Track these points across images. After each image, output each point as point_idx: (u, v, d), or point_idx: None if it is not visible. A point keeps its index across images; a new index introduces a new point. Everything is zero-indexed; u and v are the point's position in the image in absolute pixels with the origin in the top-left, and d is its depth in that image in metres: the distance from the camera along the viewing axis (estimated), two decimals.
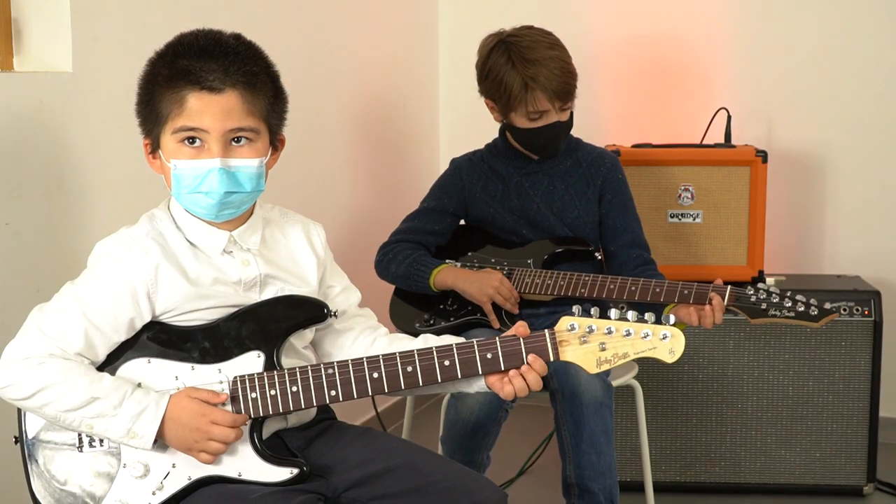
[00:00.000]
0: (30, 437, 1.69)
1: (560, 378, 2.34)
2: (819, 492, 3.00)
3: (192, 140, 1.67)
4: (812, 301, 2.29)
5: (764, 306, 2.30)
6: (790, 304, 2.29)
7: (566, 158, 2.61)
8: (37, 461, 1.69)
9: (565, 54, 2.50)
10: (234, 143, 1.68)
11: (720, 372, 2.97)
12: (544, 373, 1.71)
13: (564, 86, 2.45)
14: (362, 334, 1.87)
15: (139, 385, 1.67)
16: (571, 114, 2.55)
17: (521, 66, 2.44)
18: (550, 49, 2.47)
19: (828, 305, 2.30)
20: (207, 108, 1.65)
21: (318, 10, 3.12)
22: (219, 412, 1.65)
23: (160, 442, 1.65)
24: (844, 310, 2.92)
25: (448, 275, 2.51)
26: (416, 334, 2.54)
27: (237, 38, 1.72)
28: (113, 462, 1.67)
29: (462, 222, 2.70)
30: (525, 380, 1.70)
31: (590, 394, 2.32)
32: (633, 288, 2.38)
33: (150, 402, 1.63)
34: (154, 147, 1.72)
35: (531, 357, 1.69)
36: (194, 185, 1.67)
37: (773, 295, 2.30)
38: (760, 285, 2.33)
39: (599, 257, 2.56)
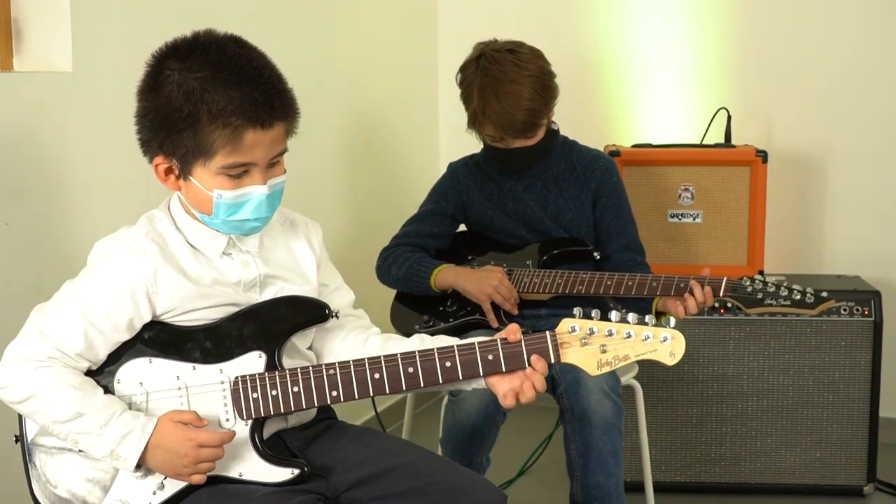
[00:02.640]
0: (29, 439, 1.70)
1: (570, 398, 2.33)
2: (819, 492, 3.00)
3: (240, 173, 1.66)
4: (808, 289, 2.28)
5: (760, 296, 2.28)
6: (786, 293, 2.28)
7: (560, 162, 2.60)
8: (35, 464, 1.69)
9: (530, 89, 2.42)
10: (269, 166, 1.69)
11: (720, 372, 2.97)
12: (546, 373, 1.70)
13: (516, 124, 2.42)
14: (352, 333, 1.86)
15: (132, 406, 1.67)
16: (551, 133, 2.54)
17: (478, 96, 2.44)
18: (514, 83, 2.41)
19: (824, 293, 2.28)
20: (261, 142, 1.64)
21: (318, 12, 3.12)
22: (205, 434, 1.64)
23: (144, 466, 1.64)
24: (844, 310, 2.92)
25: (448, 274, 2.52)
26: None
27: (263, 59, 1.68)
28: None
29: (462, 226, 2.71)
30: (533, 383, 1.69)
31: (599, 414, 2.30)
32: (629, 283, 2.38)
33: (136, 426, 1.63)
34: (183, 173, 1.68)
35: (534, 358, 1.68)
36: (241, 212, 1.67)
37: (769, 284, 2.29)
38: (757, 276, 2.32)
39: (598, 256, 2.55)
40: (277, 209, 1.86)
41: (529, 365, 1.68)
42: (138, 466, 1.63)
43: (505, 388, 1.70)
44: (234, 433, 1.67)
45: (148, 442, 1.62)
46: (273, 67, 1.69)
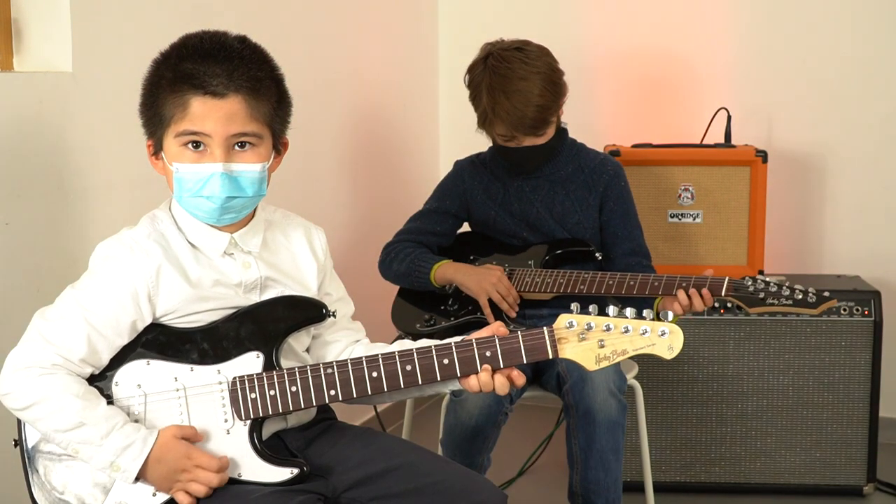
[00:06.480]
0: (30, 445, 1.69)
1: (575, 396, 2.33)
2: (819, 492, 3.00)
3: (195, 144, 1.67)
4: (810, 289, 2.28)
5: (762, 296, 2.29)
6: (788, 293, 2.28)
7: (567, 164, 2.60)
8: (37, 471, 1.69)
9: (540, 85, 2.43)
10: (237, 147, 1.68)
11: (720, 372, 2.97)
12: (521, 382, 1.70)
13: (527, 121, 2.43)
14: (349, 347, 1.87)
15: (135, 421, 1.66)
16: (560, 132, 2.55)
17: (487, 94, 2.45)
18: (523, 80, 2.42)
19: (826, 293, 2.28)
20: (210, 113, 1.65)
21: (318, 12, 3.12)
22: (205, 457, 1.64)
23: (142, 479, 1.64)
24: (844, 310, 2.92)
25: (448, 269, 2.53)
26: (417, 335, 2.56)
27: (242, 41, 1.71)
28: None
29: (466, 226, 2.71)
30: (495, 379, 1.68)
31: (604, 413, 2.31)
32: (631, 283, 2.38)
33: (137, 438, 1.62)
34: (157, 149, 1.72)
35: (515, 374, 1.69)
36: (196, 188, 1.67)
37: (771, 284, 2.30)
38: (758, 276, 2.33)
39: (600, 257, 2.55)
40: (284, 211, 1.86)
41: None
42: (136, 479, 1.63)
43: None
44: (228, 461, 1.66)
45: (149, 455, 1.62)
46: (249, 49, 1.70)
